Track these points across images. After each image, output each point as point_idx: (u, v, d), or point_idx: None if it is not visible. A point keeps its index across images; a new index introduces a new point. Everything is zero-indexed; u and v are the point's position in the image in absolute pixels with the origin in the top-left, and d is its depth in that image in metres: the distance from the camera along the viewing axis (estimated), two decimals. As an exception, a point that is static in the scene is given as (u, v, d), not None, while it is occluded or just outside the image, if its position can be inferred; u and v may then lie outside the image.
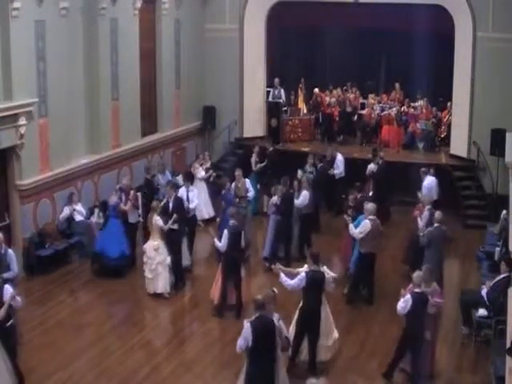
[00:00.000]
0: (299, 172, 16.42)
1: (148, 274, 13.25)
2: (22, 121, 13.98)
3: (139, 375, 10.73)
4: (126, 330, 12.32)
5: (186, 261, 14.26)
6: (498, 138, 17.00)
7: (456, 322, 12.40)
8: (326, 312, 10.87)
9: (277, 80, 20.84)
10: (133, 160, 17.90)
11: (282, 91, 20.88)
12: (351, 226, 13.05)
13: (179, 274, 13.67)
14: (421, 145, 20.48)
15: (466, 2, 18.42)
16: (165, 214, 13.42)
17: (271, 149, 18.77)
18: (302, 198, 14.96)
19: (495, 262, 13.24)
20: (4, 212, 14.10)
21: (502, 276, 11.49)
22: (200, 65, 21.05)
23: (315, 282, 10.47)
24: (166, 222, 13.24)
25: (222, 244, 12.52)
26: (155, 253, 13.14)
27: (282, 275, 10.73)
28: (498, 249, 13.83)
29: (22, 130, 14.00)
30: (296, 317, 10.70)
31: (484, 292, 11.54)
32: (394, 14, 20.22)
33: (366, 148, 20.00)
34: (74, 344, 11.66)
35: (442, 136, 20.69)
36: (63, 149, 15.36)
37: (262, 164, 18.13)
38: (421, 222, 13.67)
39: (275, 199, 14.75)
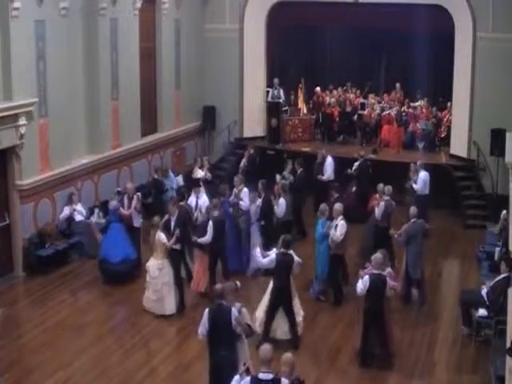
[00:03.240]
0: (277, 177, 16.31)
1: (152, 296, 12.54)
2: (22, 121, 13.98)
3: (139, 375, 10.74)
4: (126, 330, 12.34)
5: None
6: (498, 137, 16.99)
7: (456, 322, 12.40)
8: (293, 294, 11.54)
9: (276, 80, 20.83)
10: (133, 160, 17.92)
11: (282, 91, 20.85)
12: (332, 230, 12.85)
13: (180, 294, 12.88)
14: (421, 145, 20.46)
15: (466, 2, 18.41)
16: (166, 230, 12.70)
17: (252, 151, 18.45)
18: (281, 206, 14.69)
19: (495, 262, 13.24)
20: (4, 212, 14.11)
21: (501, 276, 11.51)
22: (200, 65, 21.06)
23: (284, 264, 11.28)
24: (168, 240, 12.50)
25: (206, 237, 12.95)
26: (159, 272, 12.44)
27: (258, 250, 11.63)
28: (498, 249, 13.84)
29: (22, 130, 14.00)
30: (266, 297, 11.49)
31: (484, 292, 11.56)
32: (394, 14, 20.18)
33: (366, 148, 19.99)
34: (74, 344, 11.66)
35: (442, 136, 20.67)
36: (63, 149, 15.36)
37: (242, 166, 17.86)
38: (377, 212, 14.25)
39: (258, 203, 14.59)
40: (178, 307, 12.72)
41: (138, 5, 17.73)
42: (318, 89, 22.07)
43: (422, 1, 19.04)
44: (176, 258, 12.93)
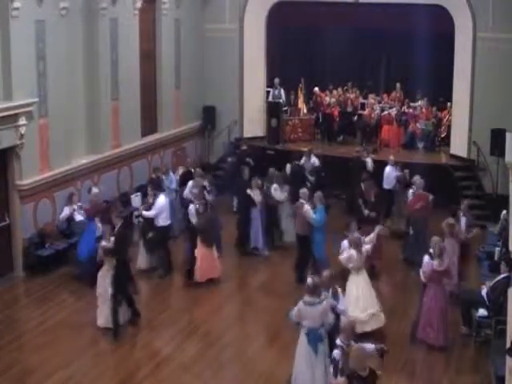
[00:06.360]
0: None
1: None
2: (22, 121, 13.98)
3: (139, 375, 10.76)
4: (126, 330, 12.32)
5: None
6: (498, 137, 17.00)
7: (456, 322, 12.39)
8: (369, 287, 11.94)
9: (277, 80, 20.86)
10: (133, 160, 17.91)
11: (282, 91, 20.91)
12: (309, 210, 13.69)
13: (132, 306, 12.39)
14: (421, 145, 20.49)
15: (466, 2, 18.43)
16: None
17: (244, 147, 18.82)
18: (278, 192, 15.64)
19: (495, 262, 13.25)
20: (4, 212, 14.11)
21: (501, 276, 11.52)
22: (200, 65, 21.06)
23: None
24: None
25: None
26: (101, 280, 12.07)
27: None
28: (497, 249, 13.84)
29: (22, 130, 14.00)
30: None
31: (484, 292, 11.56)
32: (394, 14, 20.21)
33: (366, 148, 19.95)
34: (74, 344, 11.67)
35: (442, 136, 20.68)
36: (63, 149, 15.36)
37: (230, 160, 18.51)
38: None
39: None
40: (130, 319, 12.29)
41: (138, 5, 17.73)
42: (316, 89, 22.07)
43: (422, 1, 19.06)
44: (120, 270, 12.10)
